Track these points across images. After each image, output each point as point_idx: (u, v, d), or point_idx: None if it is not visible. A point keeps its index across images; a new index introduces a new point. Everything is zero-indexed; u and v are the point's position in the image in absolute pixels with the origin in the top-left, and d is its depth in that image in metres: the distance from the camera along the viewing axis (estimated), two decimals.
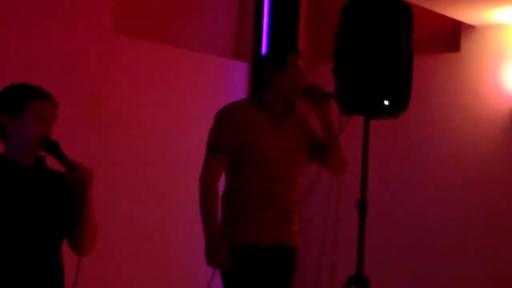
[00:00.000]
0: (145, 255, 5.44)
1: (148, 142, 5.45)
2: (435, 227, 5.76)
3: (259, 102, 3.96)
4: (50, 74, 4.62)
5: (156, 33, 5.56)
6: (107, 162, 5.00)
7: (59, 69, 4.83)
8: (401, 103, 4.47)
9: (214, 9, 6.03)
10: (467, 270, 5.62)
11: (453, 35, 5.79)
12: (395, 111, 4.52)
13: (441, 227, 5.74)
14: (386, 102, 4.43)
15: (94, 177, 2.93)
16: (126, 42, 5.31)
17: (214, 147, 3.90)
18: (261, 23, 6.08)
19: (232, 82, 6.03)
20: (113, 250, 5.07)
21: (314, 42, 6.32)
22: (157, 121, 5.53)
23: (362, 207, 4.69)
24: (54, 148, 2.96)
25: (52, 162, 3.00)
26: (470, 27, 5.69)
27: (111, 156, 5.14)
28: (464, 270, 5.63)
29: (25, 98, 2.98)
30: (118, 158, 5.22)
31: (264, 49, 6.02)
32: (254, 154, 3.87)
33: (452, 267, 5.66)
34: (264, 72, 4.00)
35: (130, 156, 5.32)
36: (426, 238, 5.78)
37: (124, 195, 5.24)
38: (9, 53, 4.61)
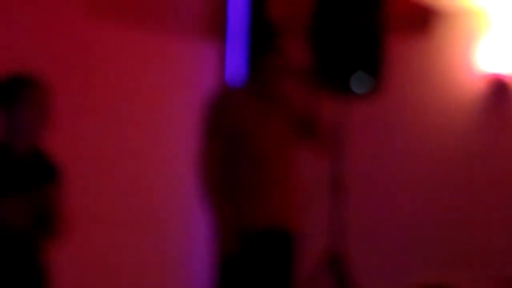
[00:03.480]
0: (133, 248, 5.35)
1: (125, 130, 5.34)
2: (411, 198, 5.85)
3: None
4: (20, 60, 4.38)
5: (129, 16, 5.44)
6: (83, 151, 4.92)
7: (30, 54, 4.62)
8: (374, 74, 4.74)
9: None
10: (448, 243, 5.72)
11: (426, 18, 5.83)
12: (369, 83, 4.73)
13: (415, 197, 5.84)
14: (360, 73, 4.67)
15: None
16: (99, 27, 5.17)
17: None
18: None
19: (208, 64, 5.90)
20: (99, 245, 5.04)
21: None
22: (133, 110, 5.41)
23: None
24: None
25: None
26: (442, 11, 5.78)
27: (86, 145, 5.01)
28: (445, 244, 5.73)
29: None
30: (92, 147, 5.09)
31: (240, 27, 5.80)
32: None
33: (433, 241, 5.76)
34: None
35: (105, 145, 5.20)
36: (406, 211, 5.86)
37: (102, 187, 5.09)
38: None
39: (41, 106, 3.24)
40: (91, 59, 5.13)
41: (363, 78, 4.61)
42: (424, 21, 5.79)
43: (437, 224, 5.75)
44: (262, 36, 4.04)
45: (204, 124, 3.86)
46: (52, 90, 4.68)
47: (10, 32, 4.64)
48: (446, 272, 5.49)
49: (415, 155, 5.87)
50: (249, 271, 3.83)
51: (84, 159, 4.72)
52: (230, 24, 5.69)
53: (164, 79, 5.63)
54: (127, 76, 5.37)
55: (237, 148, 3.83)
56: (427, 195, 5.81)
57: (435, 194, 5.79)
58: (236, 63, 5.50)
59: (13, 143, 3.24)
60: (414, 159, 5.86)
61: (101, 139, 5.15)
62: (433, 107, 5.85)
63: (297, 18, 4.87)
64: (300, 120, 3.96)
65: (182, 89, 5.58)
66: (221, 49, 5.74)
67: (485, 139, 5.72)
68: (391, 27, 4.77)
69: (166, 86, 5.64)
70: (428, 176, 5.82)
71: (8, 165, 3.21)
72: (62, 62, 4.89)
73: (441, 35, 5.80)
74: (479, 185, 5.69)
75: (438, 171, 5.81)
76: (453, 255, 5.67)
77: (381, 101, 4.94)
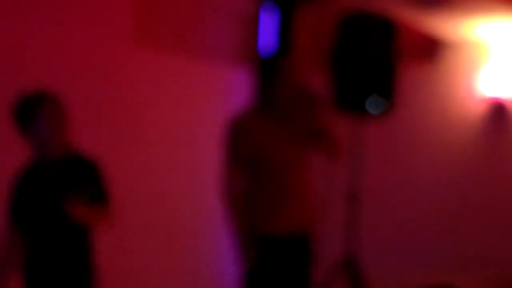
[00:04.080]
0: (159, 249, 5.48)
1: (162, 147, 5.47)
2: (419, 206, 6.11)
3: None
4: (69, 82, 4.57)
5: (169, 42, 5.53)
6: (121, 168, 4.77)
7: (79, 78, 4.81)
8: (387, 97, 4.93)
9: (220, 18, 5.91)
10: (454, 247, 5.96)
11: (434, 49, 6.12)
12: (383, 105, 4.93)
13: (423, 205, 6.11)
14: (374, 96, 4.86)
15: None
16: (141, 53, 5.27)
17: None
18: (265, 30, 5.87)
19: (240, 88, 5.93)
20: (128, 246, 5.11)
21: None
22: (167, 127, 5.53)
23: (352, 196, 5.10)
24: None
25: None
26: (448, 42, 6.06)
27: (124, 162, 5.04)
28: (452, 248, 5.97)
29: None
30: (131, 163, 5.19)
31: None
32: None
33: (441, 245, 6.03)
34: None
35: (144, 161, 5.32)
36: (415, 218, 6.12)
37: (140, 196, 5.22)
38: (31, 60, 4.56)
39: (59, 118, 3.25)
40: (132, 81, 5.27)
41: (377, 100, 4.81)
42: (432, 51, 6.04)
43: (443, 230, 5.97)
44: (272, 59, 4.12)
45: (224, 145, 4.00)
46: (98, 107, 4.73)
47: (59, 55, 4.72)
48: (453, 274, 5.60)
49: (423, 168, 6.10)
50: (270, 276, 3.95)
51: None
52: (260, 52, 5.76)
53: (199, 102, 5.73)
54: (164, 98, 5.47)
55: (255, 166, 3.95)
56: (434, 203, 6.05)
57: (441, 202, 6.03)
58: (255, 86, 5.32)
59: (42, 157, 3.29)
60: (422, 172, 6.09)
61: (136, 153, 5.26)
62: (439, 126, 6.07)
63: (321, 46, 5.08)
64: (311, 132, 4.00)
65: (214, 113, 5.67)
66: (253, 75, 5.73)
67: (486, 154, 5.91)
68: (402, 56, 4.96)
69: (201, 109, 5.74)
70: (435, 187, 6.06)
71: (43, 177, 3.29)
72: (107, 81, 5.03)
73: (447, 63, 6.08)
74: (482, 195, 5.91)
75: (443, 182, 6.03)
76: (459, 258, 5.85)
77: (393, 121, 5.21)
